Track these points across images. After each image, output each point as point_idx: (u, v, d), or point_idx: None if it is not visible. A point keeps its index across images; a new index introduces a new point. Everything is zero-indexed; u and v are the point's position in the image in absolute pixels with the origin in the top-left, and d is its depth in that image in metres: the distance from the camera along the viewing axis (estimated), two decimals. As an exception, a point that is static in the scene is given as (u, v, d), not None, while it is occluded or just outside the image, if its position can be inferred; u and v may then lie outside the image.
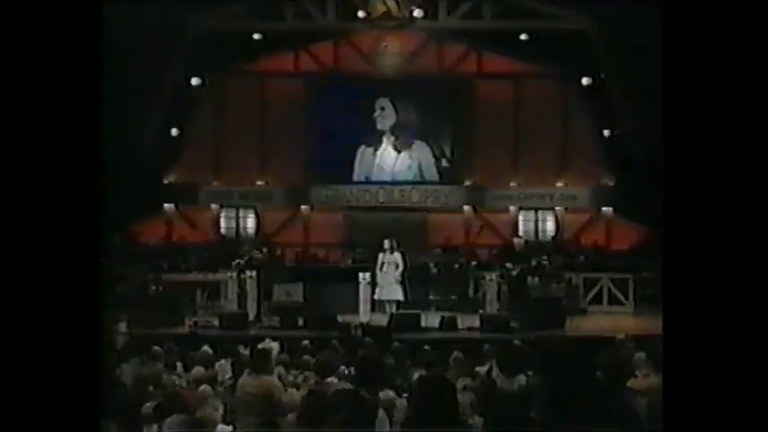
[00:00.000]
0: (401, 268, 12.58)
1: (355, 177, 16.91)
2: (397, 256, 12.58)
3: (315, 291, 13.00)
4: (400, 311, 12.30)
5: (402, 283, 12.52)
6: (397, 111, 16.80)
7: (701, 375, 1.75)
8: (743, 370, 1.75)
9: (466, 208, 16.91)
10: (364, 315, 12.12)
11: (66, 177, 1.30)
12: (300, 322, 11.52)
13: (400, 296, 12.50)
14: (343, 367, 6.75)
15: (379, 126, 16.73)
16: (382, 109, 16.76)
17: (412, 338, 10.22)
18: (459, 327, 11.47)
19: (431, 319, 11.87)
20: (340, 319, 11.34)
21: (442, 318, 11.67)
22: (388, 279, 12.49)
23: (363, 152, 16.90)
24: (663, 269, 2.05)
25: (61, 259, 1.29)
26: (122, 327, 10.33)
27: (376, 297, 12.57)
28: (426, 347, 8.47)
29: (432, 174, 16.89)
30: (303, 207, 17.10)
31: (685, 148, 1.90)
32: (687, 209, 1.89)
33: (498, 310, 12.53)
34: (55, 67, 1.32)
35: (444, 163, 16.89)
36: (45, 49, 1.29)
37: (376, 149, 16.84)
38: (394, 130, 16.74)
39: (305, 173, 17.05)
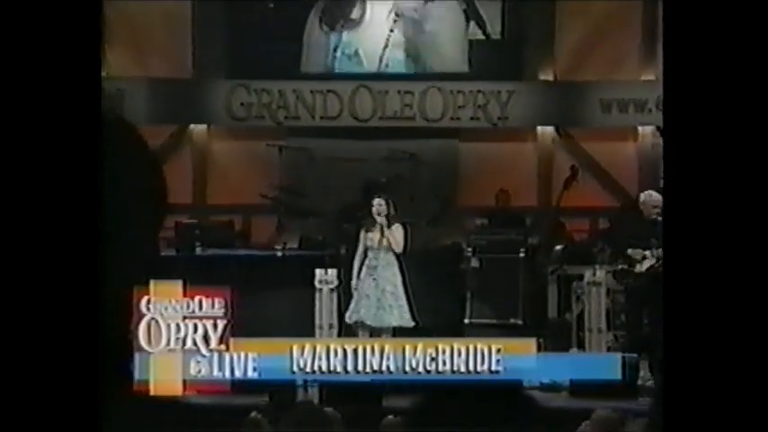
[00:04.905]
0: (402, 259, 12.72)
1: (304, 67, 17.07)
2: (397, 232, 12.58)
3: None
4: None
5: (406, 290, 12.62)
6: None
7: (701, 377, 3.04)
8: (745, 372, 3.02)
9: (542, 130, 17.12)
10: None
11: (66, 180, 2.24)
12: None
13: (404, 318, 12.56)
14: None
15: None
16: None
17: (427, 406, 10.32)
18: (528, 381, 11.56)
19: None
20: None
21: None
22: (375, 282, 12.60)
23: (313, 27, 17.05)
24: (663, 268, 3.26)
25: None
26: None
27: (350, 319, 12.66)
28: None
29: (457, 60, 17.02)
30: (194, 127, 17.32)
31: (687, 146, 3.19)
32: (689, 208, 3.15)
33: (610, 347, 12.72)
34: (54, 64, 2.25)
35: (489, 32, 17.02)
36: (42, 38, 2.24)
37: (346, 20, 16.99)
38: None
39: (197, 57, 17.15)
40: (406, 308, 12.48)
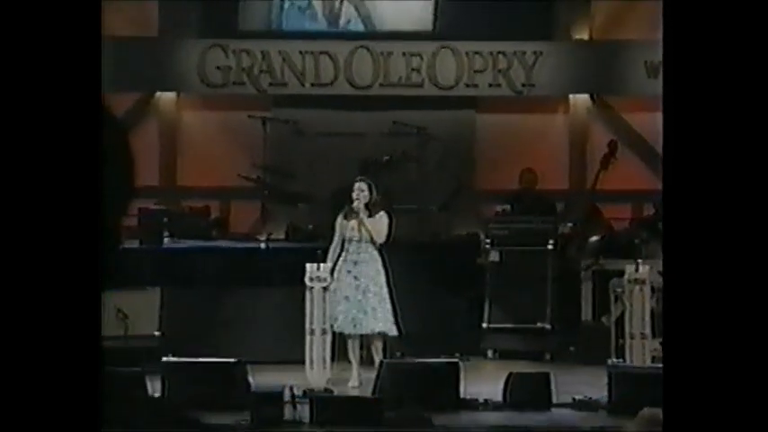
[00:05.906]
0: (386, 254, 12.62)
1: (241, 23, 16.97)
2: (380, 220, 12.51)
3: (190, 309, 13.28)
4: (399, 359, 12.56)
5: (390, 291, 12.57)
6: None
7: (702, 378, 3.50)
8: (747, 373, 3.48)
9: (575, 99, 17.17)
10: (318, 369, 12.27)
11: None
12: (155, 388, 11.57)
13: (388, 323, 12.48)
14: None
15: None
16: None
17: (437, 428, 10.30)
18: (556, 400, 11.62)
19: (485, 380, 12.07)
20: (254, 381, 11.49)
21: (511, 377, 11.78)
22: (356, 281, 12.54)
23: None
24: (663, 266, 4.09)
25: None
26: None
27: (330, 323, 12.50)
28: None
29: (423, 16, 16.94)
30: (161, 95, 17.36)
31: (687, 146, 3.70)
32: (689, 207, 3.64)
33: (655, 357, 12.59)
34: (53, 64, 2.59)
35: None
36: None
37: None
38: None
39: (164, 12, 17.16)
40: (390, 312, 12.47)
